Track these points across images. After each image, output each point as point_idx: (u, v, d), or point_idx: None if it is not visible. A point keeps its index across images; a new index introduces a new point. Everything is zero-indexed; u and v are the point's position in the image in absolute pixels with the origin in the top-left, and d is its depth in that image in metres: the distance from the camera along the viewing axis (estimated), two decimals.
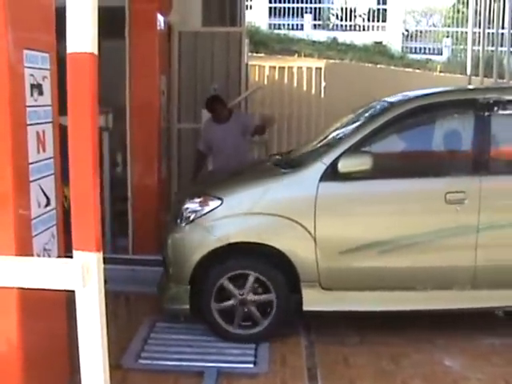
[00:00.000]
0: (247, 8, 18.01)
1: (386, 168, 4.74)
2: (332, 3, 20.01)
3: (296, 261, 4.42)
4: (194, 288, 4.49)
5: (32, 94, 2.97)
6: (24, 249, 2.94)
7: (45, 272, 2.04)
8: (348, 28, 18.80)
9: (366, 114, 4.97)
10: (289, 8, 19.01)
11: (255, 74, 12.59)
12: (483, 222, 4.44)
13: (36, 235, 3.07)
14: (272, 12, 19.04)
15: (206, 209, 4.52)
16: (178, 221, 4.63)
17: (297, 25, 18.74)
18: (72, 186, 2.01)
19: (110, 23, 6.82)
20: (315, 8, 19.30)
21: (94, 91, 1.94)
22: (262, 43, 15.63)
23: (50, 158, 3.21)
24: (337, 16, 19.50)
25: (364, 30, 18.65)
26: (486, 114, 4.58)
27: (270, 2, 18.78)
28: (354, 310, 4.55)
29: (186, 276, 4.46)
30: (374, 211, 4.58)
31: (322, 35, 17.62)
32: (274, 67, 12.77)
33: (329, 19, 19.17)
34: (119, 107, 6.64)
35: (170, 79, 8.13)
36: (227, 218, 4.49)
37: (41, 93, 3.06)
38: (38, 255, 3.09)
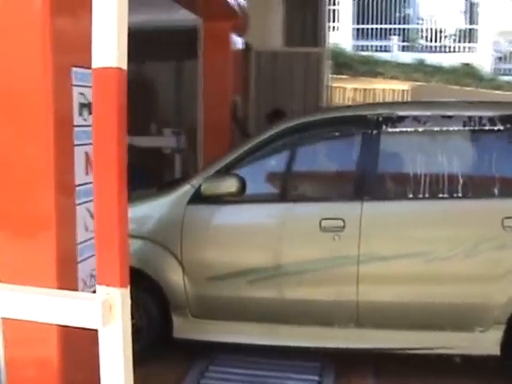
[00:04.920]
0: (333, 29, 17.88)
1: (258, 191, 4.39)
2: (420, 24, 19.51)
3: (165, 286, 4.21)
4: None
5: (81, 114, 2.84)
6: (67, 275, 2.80)
7: (64, 307, 1.86)
8: (436, 49, 18.25)
9: None
10: (376, 29, 18.68)
11: (337, 96, 12.38)
12: (364, 254, 3.94)
13: (82, 261, 2.92)
14: (359, 34, 18.75)
15: None
16: None
17: (385, 46, 18.37)
18: (95, 213, 1.83)
19: (186, 44, 6.83)
20: (403, 29, 18.88)
21: (121, 109, 1.76)
22: (346, 65, 15.38)
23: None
24: (425, 37, 18.98)
25: (452, 51, 18.05)
26: (374, 132, 4.10)
27: (355, 24, 18.50)
28: (223, 342, 4.23)
29: None
30: (241, 237, 4.22)
31: (408, 57, 17.19)
32: (357, 89, 12.53)
33: (416, 40, 18.67)
34: (192, 128, 6.60)
35: (247, 99, 8.03)
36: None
37: (91, 112, 2.92)
38: (84, 281, 2.95)
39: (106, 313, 1.80)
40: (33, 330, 2.61)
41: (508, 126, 4.03)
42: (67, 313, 1.85)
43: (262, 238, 4.22)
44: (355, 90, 12.19)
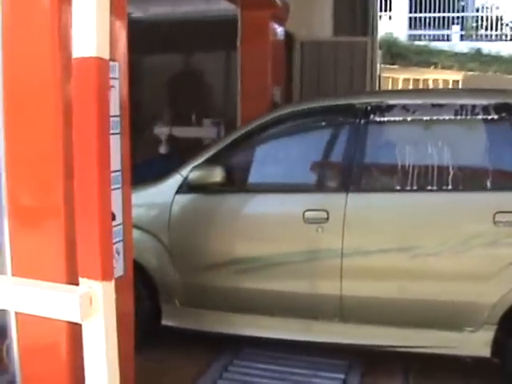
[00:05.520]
0: (389, 19, 17.51)
1: (244, 181, 4.30)
2: (478, 12, 18.85)
3: (154, 274, 4.23)
4: None
5: None
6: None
7: (45, 299, 1.84)
8: (495, 38, 17.62)
9: None
10: (432, 18, 18.16)
11: (388, 86, 12.13)
12: (348, 247, 3.79)
13: None
14: (417, 23, 18.26)
15: None
16: None
17: (442, 36, 17.84)
18: (77, 205, 1.80)
19: (227, 34, 6.77)
20: (461, 18, 18.30)
21: (102, 99, 1.72)
22: (400, 55, 15.04)
23: (116, 171, 3.03)
24: (484, 26, 18.31)
25: None
26: (362, 121, 3.93)
27: (411, 12, 18.03)
28: (213, 331, 4.20)
29: None
30: (227, 227, 4.16)
31: (466, 46, 16.64)
32: (409, 79, 12.26)
33: (472, 29, 18.05)
34: (231, 118, 6.58)
35: (290, 90, 7.93)
36: None
37: None
38: None
39: (86, 306, 1.77)
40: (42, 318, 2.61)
41: (503, 114, 3.80)
42: (48, 305, 1.83)
43: (247, 229, 4.17)
44: (407, 80, 11.90)
